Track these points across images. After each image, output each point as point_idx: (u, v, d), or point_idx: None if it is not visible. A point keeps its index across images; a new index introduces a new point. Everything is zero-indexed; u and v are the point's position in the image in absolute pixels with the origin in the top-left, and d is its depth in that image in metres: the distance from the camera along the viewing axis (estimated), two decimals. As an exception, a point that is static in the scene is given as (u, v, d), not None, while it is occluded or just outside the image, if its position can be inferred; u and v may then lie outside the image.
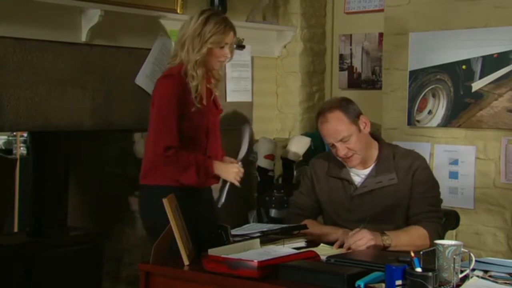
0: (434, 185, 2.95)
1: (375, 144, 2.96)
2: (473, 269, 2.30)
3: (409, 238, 2.74)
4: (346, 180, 2.94)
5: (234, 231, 2.76)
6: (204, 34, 3.10)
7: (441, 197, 3.00)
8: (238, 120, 4.56)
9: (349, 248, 2.67)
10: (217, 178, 3.24)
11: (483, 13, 3.87)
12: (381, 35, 4.54)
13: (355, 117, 2.87)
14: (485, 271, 2.34)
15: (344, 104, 2.88)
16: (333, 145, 2.87)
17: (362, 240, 2.64)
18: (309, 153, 4.26)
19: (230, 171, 3.14)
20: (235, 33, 3.21)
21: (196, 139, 3.15)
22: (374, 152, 2.94)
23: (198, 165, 3.07)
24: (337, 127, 2.83)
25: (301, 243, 2.80)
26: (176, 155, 3.04)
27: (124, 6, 3.73)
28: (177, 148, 3.05)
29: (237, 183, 3.17)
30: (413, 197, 2.87)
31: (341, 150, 2.84)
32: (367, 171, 2.93)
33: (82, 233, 4.21)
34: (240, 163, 3.20)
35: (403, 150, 3.00)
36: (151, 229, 3.14)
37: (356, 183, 2.93)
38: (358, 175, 2.94)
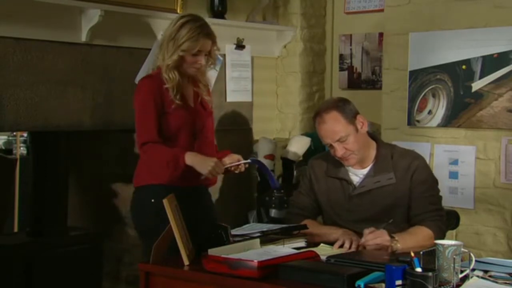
0: (433, 183, 2.95)
1: (373, 144, 2.96)
2: (473, 269, 2.30)
3: (415, 240, 2.73)
4: (344, 180, 2.95)
5: (234, 231, 2.76)
6: (178, 39, 3.07)
7: (441, 196, 3.00)
8: (238, 120, 4.56)
9: (350, 247, 2.69)
10: (208, 178, 3.15)
11: (483, 13, 3.86)
12: (381, 35, 4.54)
13: (352, 117, 2.87)
14: (485, 271, 2.34)
15: (340, 105, 2.89)
16: (330, 146, 2.88)
17: (379, 239, 2.64)
18: (309, 153, 4.26)
19: (206, 165, 2.95)
20: (214, 42, 3.14)
21: (180, 139, 3.11)
22: (372, 152, 2.94)
23: (168, 156, 2.99)
24: (334, 127, 2.84)
25: (301, 243, 2.80)
26: (153, 148, 3.00)
27: (124, 6, 3.73)
28: (156, 142, 3.02)
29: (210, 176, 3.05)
30: (414, 197, 2.87)
31: (339, 151, 2.85)
32: (365, 171, 2.93)
33: (82, 233, 4.20)
34: (234, 167, 3.06)
35: (401, 150, 3.00)
36: (143, 230, 3.14)
37: (354, 182, 2.93)
38: (357, 175, 2.94)
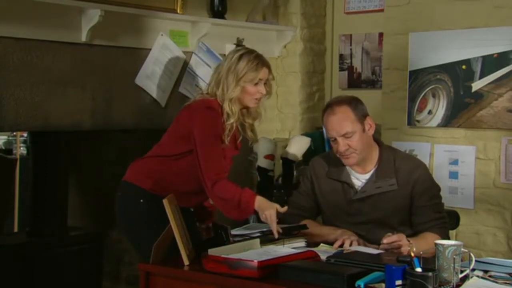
0: (436, 190, 2.95)
1: (376, 147, 2.95)
2: (473, 269, 2.30)
3: (427, 246, 2.72)
4: (346, 183, 2.93)
5: (234, 231, 2.76)
6: (238, 72, 3.05)
7: (443, 203, 3.00)
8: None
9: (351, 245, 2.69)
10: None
11: (483, 13, 3.87)
12: (381, 35, 4.54)
13: (362, 116, 2.87)
14: (485, 271, 2.34)
15: (353, 102, 2.89)
16: (334, 140, 2.86)
17: (398, 242, 2.62)
18: (309, 153, 4.26)
19: (267, 211, 2.87)
20: (270, 70, 3.15)
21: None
22: (375, 155, 2.93)
23: (238, 197, 2.91)
24: (342, 121, 2.83)
25: (301, 243, 2.80)
26: (225, 186, 2.93)
27: (124, 6, 3.73)
28: (224, 179, 2.96)
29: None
30: (418, 206, 2.87)
31: (342, 146, 2.83)
32: (367, 175, 2.91)
33: (82, 233, 4.21)
34: None
35: (403, 154, 3.00)
36: (131, 231, 3.13)
37: (356, 187, 2.92)
38: (359, 179, 2.92)
